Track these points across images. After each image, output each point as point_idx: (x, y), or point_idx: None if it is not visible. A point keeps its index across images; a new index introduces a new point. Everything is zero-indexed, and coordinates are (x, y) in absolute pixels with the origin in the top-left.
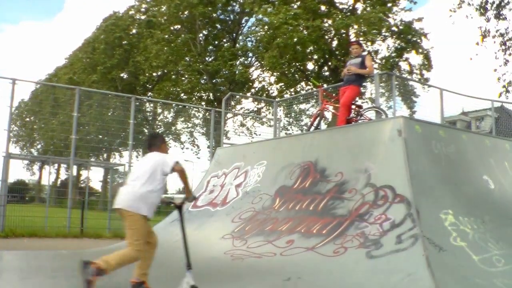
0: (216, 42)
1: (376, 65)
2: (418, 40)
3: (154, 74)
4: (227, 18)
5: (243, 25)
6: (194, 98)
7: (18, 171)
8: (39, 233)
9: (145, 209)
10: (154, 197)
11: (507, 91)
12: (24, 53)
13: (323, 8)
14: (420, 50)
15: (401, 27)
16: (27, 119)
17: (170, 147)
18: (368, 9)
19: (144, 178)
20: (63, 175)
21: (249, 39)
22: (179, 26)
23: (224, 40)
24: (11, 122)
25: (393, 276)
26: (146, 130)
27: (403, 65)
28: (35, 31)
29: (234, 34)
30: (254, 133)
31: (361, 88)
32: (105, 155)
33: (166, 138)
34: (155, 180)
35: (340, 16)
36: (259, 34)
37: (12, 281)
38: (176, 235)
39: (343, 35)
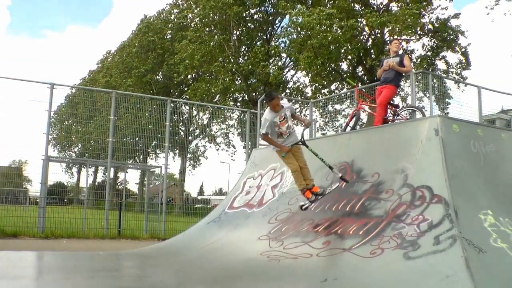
0: (249, 42)
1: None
2: (455, 38)
3: (189, 76)
4: (260, 19)
5: (277, 25)
6: (229, 99)
7: (57, 174)
8: (77, 234)
9: None
10: None
11: None
12: (66, 58)
13: (357, 7)
14: (457, 48)
15: (437, 25)
16: (65, 122)
17: (206, 148)
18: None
19: None
20: (100, 178)
21: (283, 40)
22: (212, 28)
23: (257, 39)
24: (50, 126)
25: (431, 278)
26: (182, 132)
27: (440, 64)
28: (81, 37)
29: (268, 35)
30: None
31: (398, 88)
32: (141, 157)
33: (202, 140)
34: None
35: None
36: (291, 36)
37: (51, 280)
38: (210, 238)
39: (378, 34)
